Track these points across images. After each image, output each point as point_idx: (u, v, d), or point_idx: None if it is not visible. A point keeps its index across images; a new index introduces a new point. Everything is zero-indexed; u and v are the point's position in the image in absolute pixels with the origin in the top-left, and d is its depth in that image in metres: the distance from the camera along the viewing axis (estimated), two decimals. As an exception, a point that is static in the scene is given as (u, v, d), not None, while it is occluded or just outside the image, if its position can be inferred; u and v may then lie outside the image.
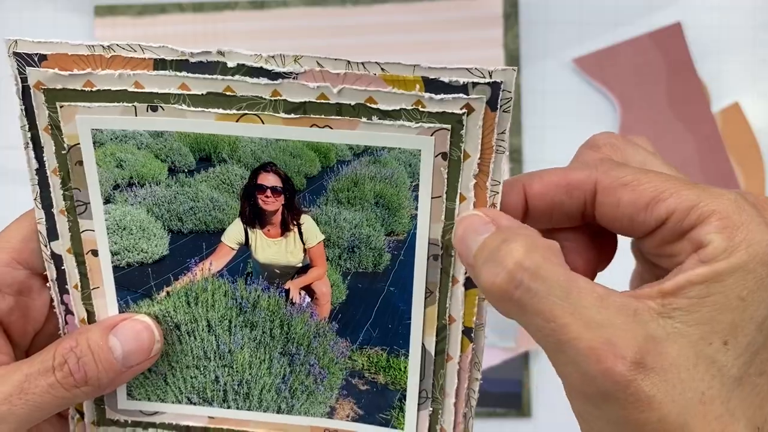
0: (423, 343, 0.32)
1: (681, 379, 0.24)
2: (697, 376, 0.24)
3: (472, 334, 0.31)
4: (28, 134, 0.30)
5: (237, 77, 0.28)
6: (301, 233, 0.31)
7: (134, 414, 0.35)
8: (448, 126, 0.28)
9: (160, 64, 0.28)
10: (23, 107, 0.30)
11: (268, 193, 0.30)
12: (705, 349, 0.25)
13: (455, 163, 0.28)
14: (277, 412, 0.34)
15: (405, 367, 0.32)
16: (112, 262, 0.32)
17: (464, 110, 0.27)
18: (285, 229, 0.31)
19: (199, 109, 0.29)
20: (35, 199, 0.31)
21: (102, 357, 0.31)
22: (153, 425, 0.35)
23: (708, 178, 0.62)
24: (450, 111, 0.27)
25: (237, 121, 0.29)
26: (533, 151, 0.63)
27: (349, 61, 0.27)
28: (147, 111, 0.29)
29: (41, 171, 0.31)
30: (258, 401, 0.34)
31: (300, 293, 0.32)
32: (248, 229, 0.31)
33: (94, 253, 0.32)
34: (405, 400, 0.33)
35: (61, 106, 0.29)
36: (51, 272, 0.33)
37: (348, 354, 0.33)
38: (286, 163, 0.30)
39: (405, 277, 0.31)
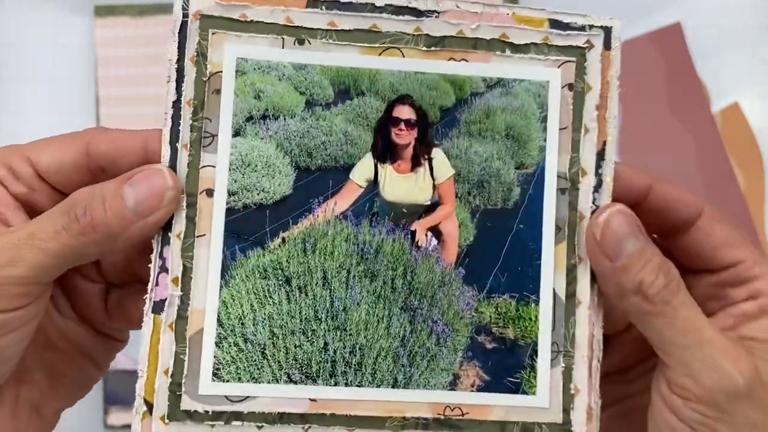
0: (553, 287, 0.31)
1: None
2: None
3: (601, 273, 0.31)
4: (174, 66, 0.30)
5: (384, 15, 0.31)
6: (431, 168, 0.31)
7: (218, 401, 0.30)
8: (574, 58, 0.31)
9: (312, 2, 0.31)
10: (176, 41, 0.30)
11: (402, 126, 0.31)
12: None
13: (579, 95, 0.31)
14: (393, 386, 0.30)
15: (536, 316, 0.31)
16: (227, 204, 0.30)
17: (586, 45, 0.31)
18: (415, 164, 0.31)
19: (345, 43, 0.31)
20: (164, 135, 0.30)
21: (112, 204, 0.29)
22: (239, 416, 0.30)
23: (707, 178, 0.62)
24: (574, 45, 0.31)
25: (379, 55, 0.31)
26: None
27: (484, 3, 0.31)
28: (294, 44, 0.31)
29: (177, 103, 0.30)
30: (371, 373, 0.30)
31: (426, 235, 0.31)
32: (378, 165, 0.31)
33: (209, 192, 0.30)
34: (536, 356, 0.31)
35: (213, 33, 0.30)
36: (155, 215, 0.30)
37: (474, 305, 0.31)
38: (423, 96, 0.31)
39: (534, 212, 0.31)
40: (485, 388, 0.31)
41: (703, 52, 0.64)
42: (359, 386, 0.30)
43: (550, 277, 0.31)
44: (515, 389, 0.31)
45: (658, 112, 0.63)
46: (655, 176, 0.33)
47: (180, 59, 0.30)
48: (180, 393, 0.29)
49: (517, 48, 0.31)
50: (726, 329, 0.31)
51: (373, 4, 0.31)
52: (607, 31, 0.32)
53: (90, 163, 0.31)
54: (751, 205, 0.63)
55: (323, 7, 0.31)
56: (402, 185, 0.31)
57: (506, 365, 0.31)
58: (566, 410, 0.30)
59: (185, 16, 0.30)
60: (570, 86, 0.31)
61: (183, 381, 0.29)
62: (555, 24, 0.31)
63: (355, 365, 0.30)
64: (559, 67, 0.31)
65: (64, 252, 0.29)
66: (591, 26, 0.32)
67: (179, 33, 0.30)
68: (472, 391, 0.30)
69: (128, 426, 0.59)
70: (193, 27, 0.30)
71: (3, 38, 0.65)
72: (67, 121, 0.62)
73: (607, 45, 0.32)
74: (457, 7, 0.31)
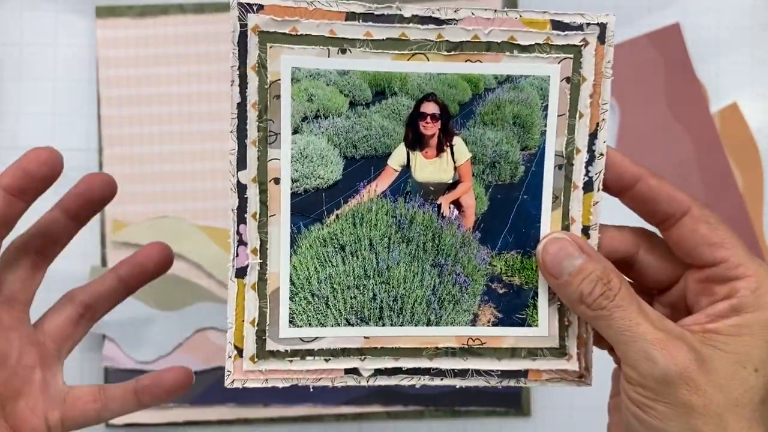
0: (550, 243, 0.39)
1: (720, 384, 0.33)
2: (733, 386, 0.33)
3: (589, 231, 0.39)
4: (237, 72, 0.36)
5: (411, 25, 0.37)
6: (452, 153, 0.39)
7: (294, 342, 0.38)
8: (571, 55, 0.38)
9: (350, 16, 0.37)
10: (236, 50, 0.36)
11: (428, 119, 0.38)
12: (739, 371, 0.33)
13: (576, 86, 0.38)
14: (427, 325, 0.39)
15: (536, 267, 0.39)
16: (291, 189, 0.38)
17: (582, 43, 0.38)
18: (440, 150, 0.39)
19: (379, 51, 0.37)
20: (232, 132, 0.37)
21: None
22: (311, 352, 0.39)
23: (706, 178, 0.63)
24: (572, 43, 0.38)
25: (408, 60, 0.38)
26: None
27: (495, 10, 0.38)
28: (337, 53, 0.37)
29: (242, 105, 0.37)
30: (410, 315, 0.39)
31: (450, 207, 0.39)
32: (410, 153, 0.38)
33: (276, 181, 0.38)
34: (537, 297, 0.39)
35: (270, 47, 0.36)
36: (233, 201, 0.37)
37: (488, 260, 0.39)
38: (444, 93, 0.38)
39: (535, 185, 0.39)
40: (498, 323, 0.39)
41: (702, 52, 0.65)
42: (401, 326, 0.39)
43: None
44: (522, 323, 0.40)
45: (656, 112, 0.63)
46: (648, 170, 0.37)
47: (241, 66, 0.37)
48: (264, 338, 0.38)
49: (523, 48, 0.38)
50: (697, 324, 0.35)
51: (402, 15, 0.37)
52: (603, 26, 0.38)
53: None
54: (750, 205, 0.63)
55: (360, 20, 0.37)
56: (429, 168, 0.39)
57: (514, 305, 0.39)
58: (562, 338, 0.40)
59: (243, 26, 0.36)
60: (567, 79, 0.38)
61: (266, 328, 0.38)
62: (556, 25, 0.38)
63: (397, 310, 0.39)
64: (558, 63, 0.38)
65: None
66: (588, 24, 0.38)
67: (238, 43, 0.36)
68: (489, 326, 0.39)
69: (129, 426, 0.61)
70: (253, 41, 0.36)
71: (3, 38, 0.64)
72: (68, 122, 0.63)
73: (601, 39, 0.38)
74: (473, 14, 0.37)
